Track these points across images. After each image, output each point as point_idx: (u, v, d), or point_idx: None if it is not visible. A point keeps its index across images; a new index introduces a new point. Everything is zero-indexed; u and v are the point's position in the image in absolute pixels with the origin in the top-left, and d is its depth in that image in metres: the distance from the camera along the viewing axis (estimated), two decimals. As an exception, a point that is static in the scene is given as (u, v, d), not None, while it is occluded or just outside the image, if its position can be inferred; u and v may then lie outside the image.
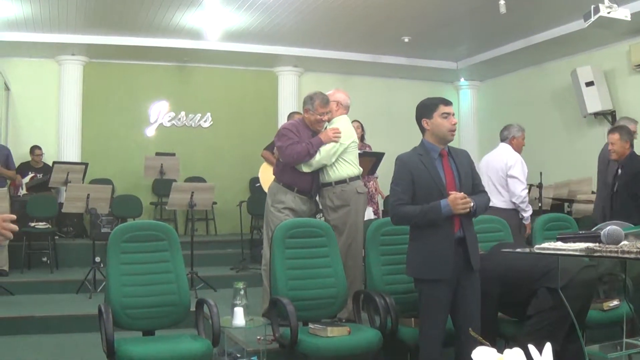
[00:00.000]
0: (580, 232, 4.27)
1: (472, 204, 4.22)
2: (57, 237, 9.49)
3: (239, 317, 4.84)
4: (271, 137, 9.28)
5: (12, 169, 9.07)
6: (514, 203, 7.09)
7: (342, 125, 6.14)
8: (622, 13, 7.49)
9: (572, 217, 6.78)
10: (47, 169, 10.48)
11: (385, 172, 7.22)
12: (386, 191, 7.52)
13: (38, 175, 10.26)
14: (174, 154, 11.03)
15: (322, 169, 6.06)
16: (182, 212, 11.25)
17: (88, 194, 8.19)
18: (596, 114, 10.78)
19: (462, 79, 14.05)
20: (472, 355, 1.62)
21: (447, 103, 4.42)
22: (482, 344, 1.67)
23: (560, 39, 10.49)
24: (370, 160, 7.98)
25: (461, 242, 4.29)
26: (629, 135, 6.56)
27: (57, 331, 6.74)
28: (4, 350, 5.99)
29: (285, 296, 4.85)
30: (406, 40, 11.28)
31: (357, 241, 5.93)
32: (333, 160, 6.00)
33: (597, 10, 7.48)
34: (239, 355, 5.12)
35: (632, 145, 6.55)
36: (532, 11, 9.52)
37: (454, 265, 4.24)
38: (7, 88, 11.48)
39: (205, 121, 12.78)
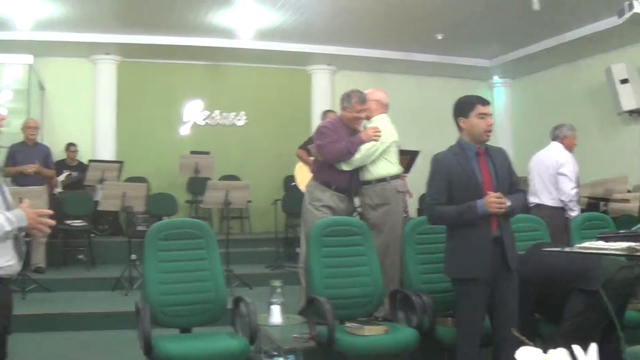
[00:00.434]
0: (621, 231, 4.23)
1: (507, 203, 4.20)
2: (92, 235, 9.56)
3: (276, 315, 4.85)
4: (305, 136, 9.34)
5: (51, 168, 9.16)
6: (563, 201, 7.05)
7: (382, 124, 6.14)
8: (657, 9, 7.41)
9: (609, 216, 6.72)
10: (81, 167, 10.58)
11: (418, 171, 7.22)
12: (416, 190, 7.51)
13: (73, 173, 10.35)
14: (208, 153, 11.07)
15: (363, 167, 6.06)
16: (217, 210, 11.29)
17: (124, 192, 8.25)
18: (631, 112, 10.64)
19: (495, 77, 13.95)
20: (516, 355, 1.61)
21: (485, 103, 4.38)
22: (524, 344, 1.66)
23: (594, 36, 10.38)
24: (404, 158, 7.96)
25: (498, 241, 4.26)
26: None
27: (94, 328, 6.77)
28: (41, 346, 6.04)
29: (322, 294, 4.86)
30: (439, 37, 11.24)
31: (396, 240, 5.90)
32: (373, 158, 6.00)
33: (631, 6, 7.41)
34: (275, 354, 5.12)
35: None
36: (565, 8, 9.42)
37: (491, 264, 4.22)
38: (42, 87, 11.61)
39: (239, 119, 12.84)
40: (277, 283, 4.97)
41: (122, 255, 8.42)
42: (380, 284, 5.21)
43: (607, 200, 9.07)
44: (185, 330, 4.77)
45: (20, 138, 9.06)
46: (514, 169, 4.58)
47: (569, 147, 7.34)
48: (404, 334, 4.73)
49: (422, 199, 9.05)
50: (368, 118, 6.22)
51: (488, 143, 4.48)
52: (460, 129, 4.40)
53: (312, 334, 4.85)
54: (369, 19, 10.29)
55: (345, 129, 6.12)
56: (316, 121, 10.92)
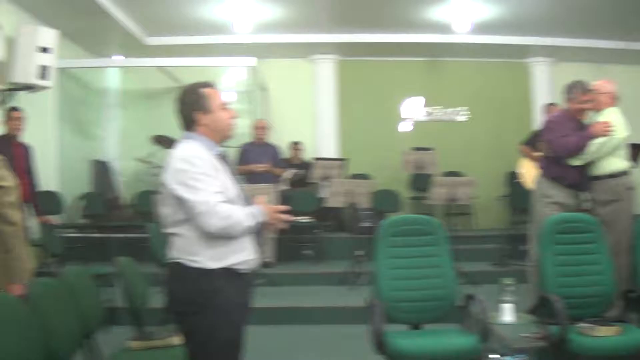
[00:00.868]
0: None
1: None
2: (318, 231, 9.86)
3: (508, 314, 4.79)
4: (525, 130, 9.13)
5: (281, 167, 9.55)
6: None
7: (613, 117, 5.88)
8: None
9: None
10: (305, 165, 10.92)
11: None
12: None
13: (298, 171, 10.73)
14: (430, 149, 11.07)
15: (593, 162, 5.86)
16: (440, 206, 11.27)
17: (350, 189, 8.44)
18: None
19: None
20: None
21: None
22: None
23: None
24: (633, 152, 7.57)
25: None
26: None
27: (321, 322, 6.96)
28: (269, 339, 6.25)
29: (555, 293, 4.74)
30: (663, 24, 10.53)
31: (626, 238, 5.64)
32: (606, 153, 5.78)
33: None
34: (505, 353, 5.06)
35: None
36: None
37: None
38: (265, 88, 12.10)
39: (460, 115, 12.77)
40: (508, 281, 4.90)
41: (346, 251, 8.61)
42: (612, 283, 4.99)
43: None
44: (414, 326, 4.79)
45: (247, 138, 9.52)
46: None
47: None
48: (638, 335, 4.50)
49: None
50: (597, 110, 5.99)
51: None
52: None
53: (544, 333, 4.74)
54: (589, 8, 9.86)
55: (572, 122, 5.94)
56: (537, 115, 10.63)
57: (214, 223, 3.13)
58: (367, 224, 8.93)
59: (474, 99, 12.69)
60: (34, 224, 7.39)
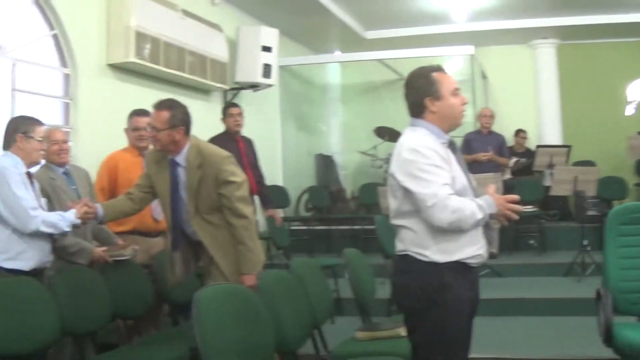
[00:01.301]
0: None
1: None
2: (542, 220, 9.61)
3: None
4: None
5: (505, 157, 9.39)
6: None
7: None
8: None
9: None
10: (529, 153, 10.68)
11: None
12: None
13: (521, 159, 10.51)
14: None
15: None
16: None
17: (575, 177, 8.17)
18: None
19: None
20: None
21: None
22: None
23: None
24: None
25: None
26: None
27: (546, 314, 6.81)
28: (494, 330, 6.19)
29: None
30: None
31: None
32: None
33: None
34: None
35: None
36: None
37: None
38: (485, 76, 12.00)
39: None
40: None
41: (572, 241, 8.36)
42: None
43: None
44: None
45: (469, 128, 9.46)
46: None
47: None
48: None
49: None
50: None
51: None
52: None
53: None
54: None
55: None
56: None
57: (444, 217, 3.01)
58: (593, 213, 8.60)
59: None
60: (261, 217, 7.75)
